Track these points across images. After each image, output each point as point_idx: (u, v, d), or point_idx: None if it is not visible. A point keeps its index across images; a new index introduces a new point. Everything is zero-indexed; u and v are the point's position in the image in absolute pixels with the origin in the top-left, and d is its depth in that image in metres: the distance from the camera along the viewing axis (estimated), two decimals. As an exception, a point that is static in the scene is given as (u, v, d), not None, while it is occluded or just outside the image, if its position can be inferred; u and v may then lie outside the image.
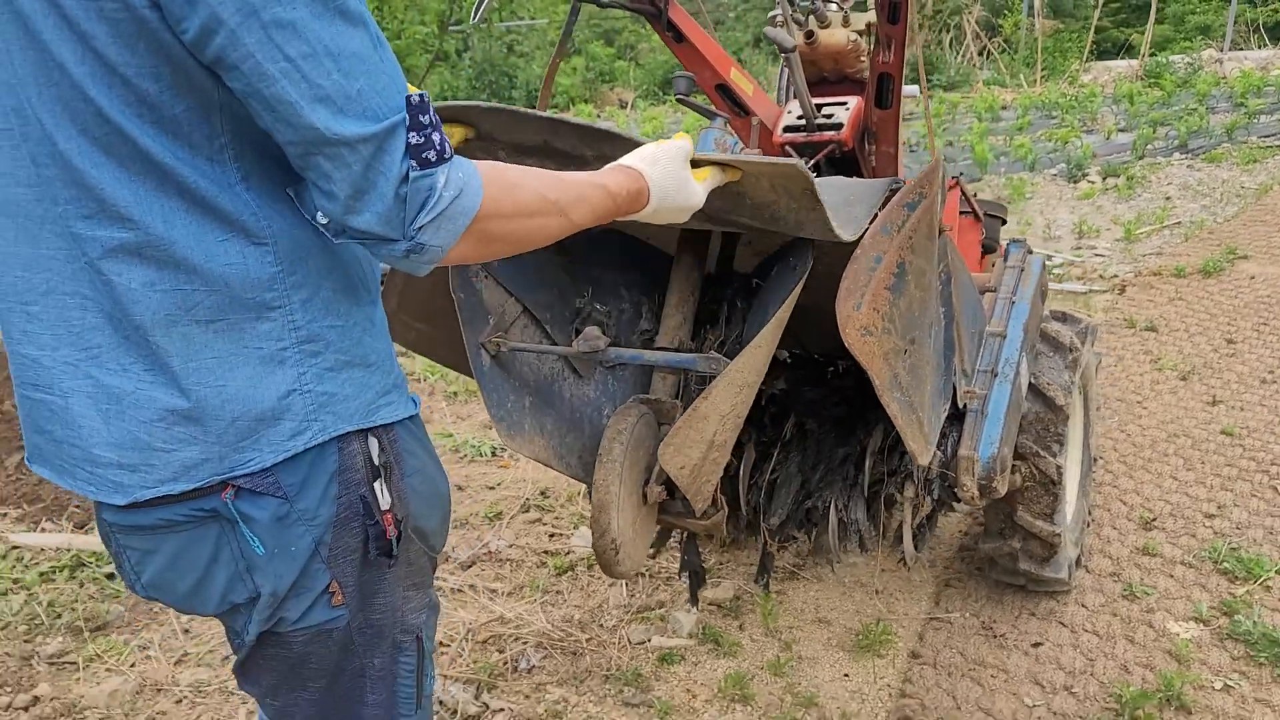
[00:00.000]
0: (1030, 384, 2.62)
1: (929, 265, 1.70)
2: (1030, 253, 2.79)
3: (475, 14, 1.95)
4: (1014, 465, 2.65)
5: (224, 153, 1.02)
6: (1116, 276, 5.96)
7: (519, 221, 1.08)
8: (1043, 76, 14.48)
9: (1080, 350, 2.78)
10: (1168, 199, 7.51)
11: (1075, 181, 8.30)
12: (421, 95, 0.99)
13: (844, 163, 2.59)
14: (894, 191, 1.61)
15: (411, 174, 0.97)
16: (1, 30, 0.97)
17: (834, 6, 2.62)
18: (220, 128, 1.00)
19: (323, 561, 1.14)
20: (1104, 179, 8.24)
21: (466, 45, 16.74)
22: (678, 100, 2.35)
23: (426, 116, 0.98)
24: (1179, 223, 6.91)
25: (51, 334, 1.07)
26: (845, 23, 2.60)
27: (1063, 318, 2.96)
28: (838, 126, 2.50)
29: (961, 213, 3.00)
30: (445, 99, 15.97)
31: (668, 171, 1.28)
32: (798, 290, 1.57)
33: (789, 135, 2.55)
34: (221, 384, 1.06)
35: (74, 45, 0.95)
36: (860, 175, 2.59)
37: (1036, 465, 2.63)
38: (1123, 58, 16.78)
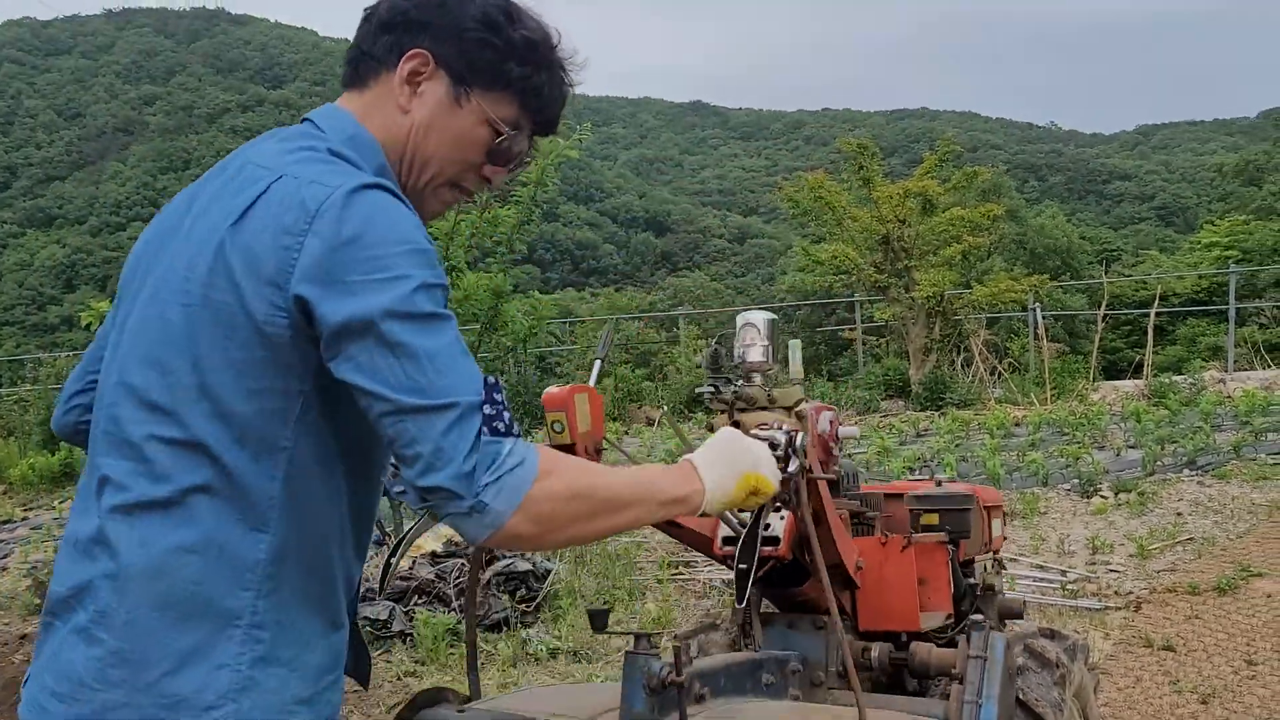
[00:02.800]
0: (1018, 699, 2.64)
1: None
2: (991, 631, 2.52)
3: (601, 349, 2.19)
4: (1011, 789, 2.60)
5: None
6: (1131, 593, 5.95)
7: (574, 505, 1.23)
8: (1052, 395, 14.99)
9: (1068, 667, 2.81)
10: (1179, 515, 7.60)
11: (1088, 497, 8.43)
12: (496, 379, 1.22)
13: (788, 571, 2.50)
14: None
15: (482, 439, 1.15)
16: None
17: (757, 378, 2.48)
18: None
19: None
20: (1115, 494, 8.37)
21: (503, 370, 17.67)
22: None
23: (499, 395, 1.21)
24: (1191, 539, 6.96)
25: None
26: (770, 400, 2.49)
27: (1050, 634, 3.00)
28: (775, 541, 2.40)
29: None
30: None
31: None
32: None
33: (729, 548, 2.45)
34: (168, 641, 1.19)
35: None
36: (806, 579, 2.50)
37: (1032, 789, 2.59)
38: (1130, 378, 17.40)
